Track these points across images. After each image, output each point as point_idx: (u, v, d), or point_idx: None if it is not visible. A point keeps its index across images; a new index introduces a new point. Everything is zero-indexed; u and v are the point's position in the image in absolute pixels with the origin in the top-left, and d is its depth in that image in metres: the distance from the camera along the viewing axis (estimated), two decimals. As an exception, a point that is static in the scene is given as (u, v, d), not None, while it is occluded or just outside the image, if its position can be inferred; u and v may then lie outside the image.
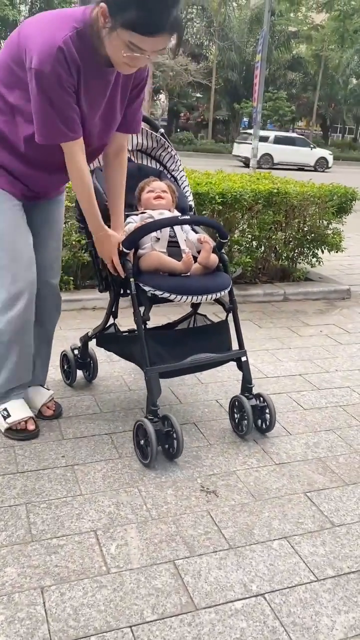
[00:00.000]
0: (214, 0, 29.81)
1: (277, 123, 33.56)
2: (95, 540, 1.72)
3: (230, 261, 4.12)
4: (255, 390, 2.39)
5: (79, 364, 2.70)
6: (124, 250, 2.15)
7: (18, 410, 2.20)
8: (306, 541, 1.78)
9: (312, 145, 24.56)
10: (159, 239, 2.23)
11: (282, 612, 1.51)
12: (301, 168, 23.12)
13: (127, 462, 2.13)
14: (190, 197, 2.62)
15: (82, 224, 2.27)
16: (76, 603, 1.49)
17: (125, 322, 2.54)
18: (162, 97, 35.27)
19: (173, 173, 2.64)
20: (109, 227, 2.17)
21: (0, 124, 1.90)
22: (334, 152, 26.64)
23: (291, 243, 4.64)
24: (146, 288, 2.13)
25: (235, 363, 2.39)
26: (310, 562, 1.70)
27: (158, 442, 2.07)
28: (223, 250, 2.38)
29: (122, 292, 2.36)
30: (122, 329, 2.53)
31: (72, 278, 3.82)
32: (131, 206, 2.44)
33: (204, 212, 4.04)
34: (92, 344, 2.60)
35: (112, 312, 2.45)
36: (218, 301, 2.37)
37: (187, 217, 2.35)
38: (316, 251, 4.74)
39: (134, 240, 2.16)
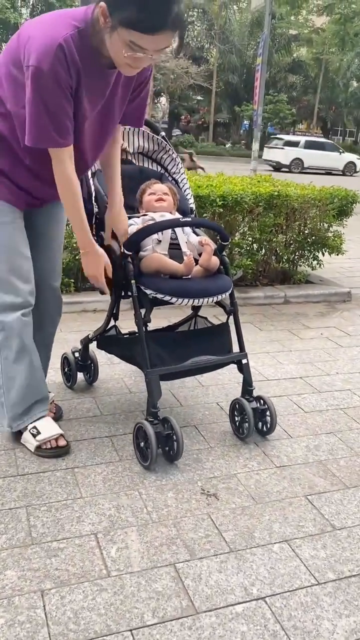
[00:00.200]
0: (215, 3, 29.88)
1: (278, 126, 33.60)
2: (95, 543, 1.71)
3: (231, 264, 4.11)
4: (255, 393, 2.38)
5: (80, 367, 2.70)
6: (126, 252, 2.15)
7: (47, 428, 2.14)
8: (307, 544, 1.78)
9: (340, 150, 24.83)
10: (160, 241, 2.23)
11: (283, 616, 1.50)
12: (329, 172, 23.40)
13: (127, 464, 2.12)
14: (192, 200, 2.62)
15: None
16: (76, 606, 1.48)
17: (126, 324, 2.53)
18: (163, 99, 35.32)
19: (174, 176, 2.64)
20: (103, 233, 2.15)
21: (4, 131, 1.86)
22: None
23: (292, 246, 4.64)
24: (147, 291, 2.13)
25: (235, 365, 2.38)
26: (311, 565, 1.69)
27: (158, 444, 2.06)
28: (224, 253, 2.38)
29: (123, 294, 2.36)
30: (122, 331, 2.53)
31: (72, 280, 3.82)
32: (132, 208, 2.44)
33: (204, 215, 4.04)
34: (93, 346, 2.60)
35: (113, 314, 2.45)
36: (219, 304, 2.37)
37: (189, 219, 2.35)
38: (317, 254, 4.74)
39: (135, 242, 2.16)
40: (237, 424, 2.37)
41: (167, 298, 2.12)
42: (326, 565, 1.70)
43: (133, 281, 2.14)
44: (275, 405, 2.53)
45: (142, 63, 1.72)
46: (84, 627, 1.42)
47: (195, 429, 2.42)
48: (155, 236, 2.21)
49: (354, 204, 4.80)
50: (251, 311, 4.14)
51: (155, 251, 2.20)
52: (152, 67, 1.96)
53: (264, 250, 4.52)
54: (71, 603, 1.49)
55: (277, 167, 22.60)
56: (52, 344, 2.41)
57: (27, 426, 2.15)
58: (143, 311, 2.18)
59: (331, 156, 24.07)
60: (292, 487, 2.07)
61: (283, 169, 22.37)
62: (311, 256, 4.75)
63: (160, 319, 3.11)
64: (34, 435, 2.12)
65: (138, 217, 2.37)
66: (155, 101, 31.71)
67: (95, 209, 2.27)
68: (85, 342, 2.62)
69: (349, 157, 24.78)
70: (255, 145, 12.42)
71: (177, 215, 2.40)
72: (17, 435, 2.20)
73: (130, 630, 1.42)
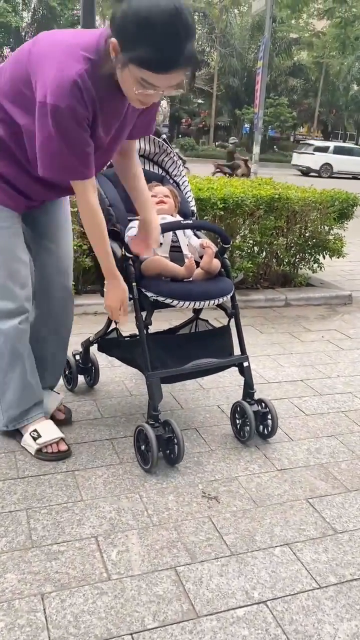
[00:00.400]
0: (216, 7, 29.96)
1: (279, 129, 33.64)
2: (96, 546, 1.71)
3: (232, 266, 4.11)
4: (256, 396, 2.38)
5: (81, 369, 2.70)
6: (127, 254, 2.14)
7: (48, 431, 2.14)
8: (308, 548, 1.77)
9: None
10: (161, 243, 2.23)
11: (285, 620, 1.49)
12: (355, 177, 23.64)
13: (128, 467, 2.12)
14: (193, 202, 2.62)
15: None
16: (77, 610, 1.48)
17: (127, 327, 2.53)
18: (164, 103, 35.35)
19: (175, 178, 2.64)
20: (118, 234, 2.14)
21: (4, 136, 1.84)
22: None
23: (292, 248, 4.64)
24: (148, 293, 2.13)
25: (236, 368, 2.38)
26: (313, 569, 1.69)
27: (159, 447, 2.06)
28: (225, 256, 2.38)
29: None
30: (123, 334, 2.53)
31: (73, 283, 3.81)
32: (133, 211, 2.43)
33: (205, 218, 4.04)
34: (94, 349, 2.60)
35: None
36: (220, 306, 2.36)
37: (190, 221, 2.34)
38: (318, 257, 4.74)
39: (136, 244, 2.15)
40: (239, 427, 2.37)
41: (168, 301, 2.12)
42: (328, 569, 1.69)
43: (134, 284, 2.14)
44: (276, 408, 2.52)
45: (153, 99, 1.69)
46: (85, 631, 1.41)
47: (196, 432, 2.42)
48: (156, 238, 2.21)
49: (355, 207, 4.80)
50: (252, 314, 4.13)
51: (156, 254, 2.20)
52: None
53: (264, 253, 4.52)
54: (71, 606, 1.48)
55: (306, 172, 22.81)
56: (68, 346, 2.38)
57: (26, 426, 2.15)
58: (144, 314, 2.17)
59: (359, 161, 24.29)
60: (293, 490, 2.06)
61: (311, 174, 22.58)
62: (312, 259, 4.75)
63: (161, 322, 3.11)
64: (35, 439, 2.12)
65: (139, 219, 2.36)
66: (156, 104, 31.68)
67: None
68: (86, 344, 2.62)
69: None
70: (256, 149, 12.42)
71: (178, 218, 2.40)
72: (16, 434, 2.20)
73: (131, 634, 1.41)
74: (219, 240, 2.36)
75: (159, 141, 2.60)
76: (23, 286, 2.02)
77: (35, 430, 2.13)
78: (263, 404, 2.34)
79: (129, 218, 2.35)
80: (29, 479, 2.01)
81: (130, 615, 1.47)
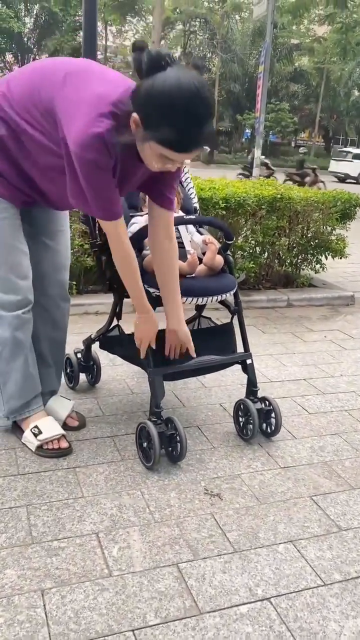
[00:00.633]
0: (217, 13, 30.08)
1: (280, 134, 33.68)
2: (97, 542, 1.68)
3: (234, 266, 4.09)
4: (259, 394, 2.36)
5: (82, 368, 2.67)
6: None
7: (49, 427, 2.12)
8: (312, 545, 1.75)
9: None
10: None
11: (289, 617, 1.47)
12: None
13: (129, 464, 2.09)
14: (195, 199, 2.60)
15: (87, 224, 2.26)
16: (77, 606, 1.45)
17: (128, 325, 2.51)
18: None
19: (177, 175, 2.62)
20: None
21: (3, 135, 1.82)
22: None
23: (295, 249, 4.62)
24: (150, 289, 2.11)
25: (239, 367, 2.36)
26: (317, 566, 1.66)
27: (161, 444, 2.03)
28: (228, 252, 2.36)
29: (126, 293, 2.34)
30: (125, 332, 2.51)
31: (74, 283, 3.80)
32: (136, 207, 2.42)
33: (207, 217, 4.03)
34: (96, 347, 2.58)
35: (116, 314, 2.43)
36: (223, 303, 2.35)
37: (192, 217, 2.33)
38: (320, 257, 4.72)
39: (138, 240, 2.14)
40: (242, 424, 2.34)
41: (171, 296, 2.09)
42: (332, 566, 1.67)
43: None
44: (279, 406, 2.50)
45: (171, 168, 1.72)
46: (85, 627, 1.39)
47: (198, 430, 2.39)
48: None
49: (357, 207, 4.79)
50: (254, 314, 4.11)
51: None
52: None
53: (266, 254, 4.51)
54: (72, 602, 1.46)
55: (343, 179, 22.85)
56: (65, 345, 2.36)
57: (27, 420, 2.13)
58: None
59: None
60: (296, 487, 2.04)
61: (348, 180, 22.59)
62: (314, 259, 4.73)
63: (163, 320, 3.09)
64: (35, 435, 2.10)
65: (141, 215, 2.35)
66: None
67: None
68: (88, 342, 2.60)
69: None
70: (258, 152, 12.42)
71: (181, 214, 2.39)
72: (16, 430, 2.18)
73: (132, 631, 1.39)
74: (221, 236, 2.34)
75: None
76: (25, 278, 2.01)
77: (36, 427, 2.11)
78: (267, 402, 2.32)
79: (131, 215, 2.34)
80: (30, 475, 1.98)
81: (132, 611, 1.45)
